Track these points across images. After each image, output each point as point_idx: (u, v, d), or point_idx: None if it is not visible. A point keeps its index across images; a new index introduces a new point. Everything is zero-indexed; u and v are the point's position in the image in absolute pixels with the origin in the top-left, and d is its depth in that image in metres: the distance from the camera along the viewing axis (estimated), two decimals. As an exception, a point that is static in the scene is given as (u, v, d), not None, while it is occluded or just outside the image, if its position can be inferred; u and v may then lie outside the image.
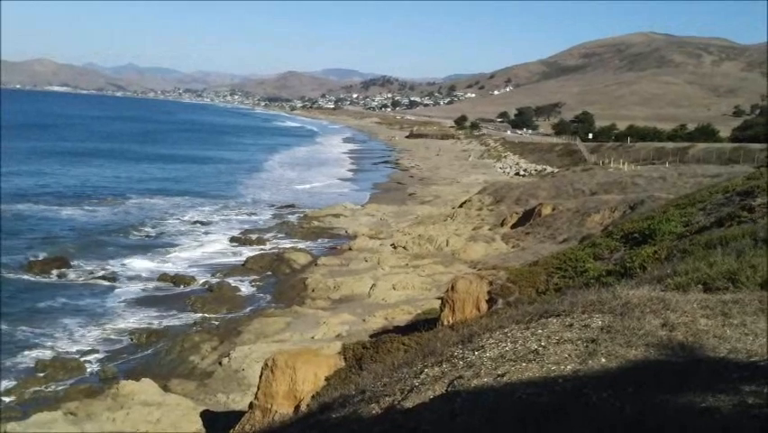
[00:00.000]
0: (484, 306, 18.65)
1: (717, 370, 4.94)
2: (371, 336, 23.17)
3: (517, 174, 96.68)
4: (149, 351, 29.99)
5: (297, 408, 15.75)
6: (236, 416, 19.55)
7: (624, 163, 77.30)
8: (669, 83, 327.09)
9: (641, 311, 6.60)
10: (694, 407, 4.21)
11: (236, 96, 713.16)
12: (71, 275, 40.59)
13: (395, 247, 46.57)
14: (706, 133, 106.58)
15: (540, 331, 6.78)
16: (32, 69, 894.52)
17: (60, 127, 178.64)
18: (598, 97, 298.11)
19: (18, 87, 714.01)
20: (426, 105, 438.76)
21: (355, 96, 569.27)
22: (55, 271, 40.53)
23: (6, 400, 24.55)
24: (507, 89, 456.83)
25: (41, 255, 43.37)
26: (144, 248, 48.73)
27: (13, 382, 25.86)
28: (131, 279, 40.82)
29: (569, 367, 5.53)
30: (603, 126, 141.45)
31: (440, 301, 21.24)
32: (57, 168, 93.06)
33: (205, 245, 51.15)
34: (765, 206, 16.61)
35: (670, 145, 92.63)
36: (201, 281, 40.84)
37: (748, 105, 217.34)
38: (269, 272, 43.16)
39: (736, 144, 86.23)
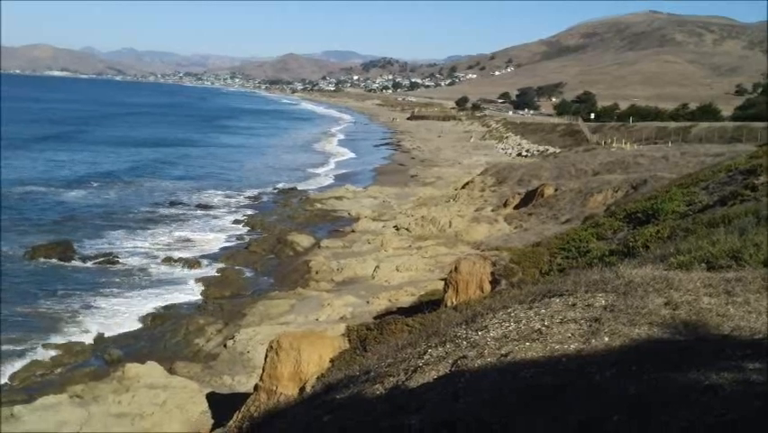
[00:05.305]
0: (487, 287, 18.70)
1: (720, 348, 4.95)
2: (375, 318, 23.23)
3: (519, 155, 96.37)
4: (153, 334, 30.10)
5: (301, 389, 15.82)
6: (242, 398, 19.64)
7: (626, 143, 77.10)
8: (670, 62, 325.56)
9: (644, 290, 6.62)
10: (698, 385, 4.23)
11: (237, 80, 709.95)
12: (75, 259, 40.66)
13: (398, 229, 46.56)
14: (708, 113, 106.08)
15: (543, 311, 6.81)
16: (30, 55, 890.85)
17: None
18: (600, 77, 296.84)
19: (18, 72, 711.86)
20: (428, 86, 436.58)
21: (356, 78, 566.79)
22: (59, 255, 40.52)
23: (13, 383, 24.70)
24: (508, 70, 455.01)
25: (47, 239, 43.44)
26: (149, 231, 48.84)
27: (19, 366, 25.98)
28: (135, 262, 40.89)
29: (572, 346, 5.56)
30: (605, 106, 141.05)
31: (443, 283, 21.29)
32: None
33: (208, 229, 51.22)
34: (768, 184, 16.60)
35: (672, 125, 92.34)
36: (205, 265, 40.92)
37: (750, 84, 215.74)
38: (273, 255, 43.20)
39: (738, 123, 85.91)
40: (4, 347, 27.36)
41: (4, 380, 24.92)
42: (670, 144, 70.60)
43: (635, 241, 15.02)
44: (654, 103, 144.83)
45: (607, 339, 5.52)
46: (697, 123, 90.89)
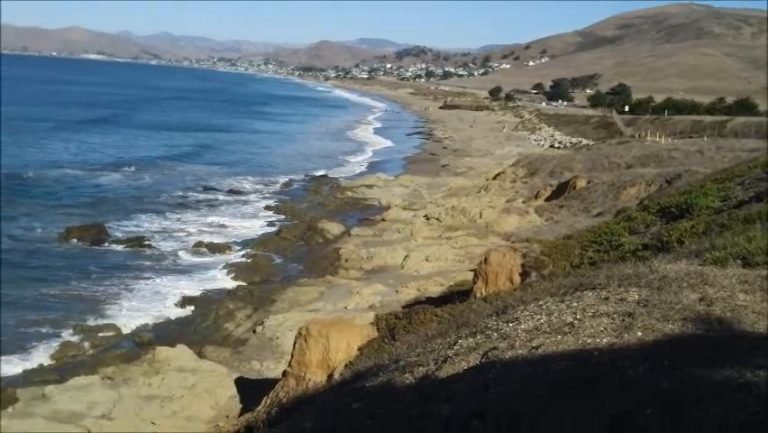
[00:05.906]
0: (517, 278, 18.63)
1: (755, 345, 4.90)
2: (404, 307, 23.25)
3: (552, 146, 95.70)
4: (184, 318, 30.36)
5: (330, 376, 15.89)
6: (270, 383, 19.75)
7: (661, 136, 76.30)
8: (708, 55, 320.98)
9: (678, 285, 6.55)
10: (732, 382, 4.19)
11: (270, 66, 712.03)
12: (108, 242, 41.07)
13: (428, 219, 46.50)
14: (745, 107, 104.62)
15: (575, 304, 6.77)
16: (66, 37, 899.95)
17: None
18: (635, 69, 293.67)
19: (54, 54, 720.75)
20: (461, 75, 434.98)
21: (389, 66, 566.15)
22: (92, 238, 40.93)
23: (45, 364, 25.03)
24: (543, 60, 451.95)
25: (81, 221, 43.93)
26: (181, 216, 49.30)
27: (52, 347, 26.32)
28: (166, 246, 41.23)
29: (604, 340, 5.52)
30: (640, 99, 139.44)
31: (473, 273, 21.23)
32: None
33: (239, 214, 51.51)
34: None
35: (708, 119, 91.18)
36: (235, 250, 41.18)
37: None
38: (303, 242, 43.34)
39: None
40: (40, 329, 27.76)
41: (40, 360, 25.29)
42: (705, 139, 69.68)
43: (668, 236, 14.86)
44: (691, 96, 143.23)
45: (640, 334, 5.48)
46: (733, 117, 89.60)
